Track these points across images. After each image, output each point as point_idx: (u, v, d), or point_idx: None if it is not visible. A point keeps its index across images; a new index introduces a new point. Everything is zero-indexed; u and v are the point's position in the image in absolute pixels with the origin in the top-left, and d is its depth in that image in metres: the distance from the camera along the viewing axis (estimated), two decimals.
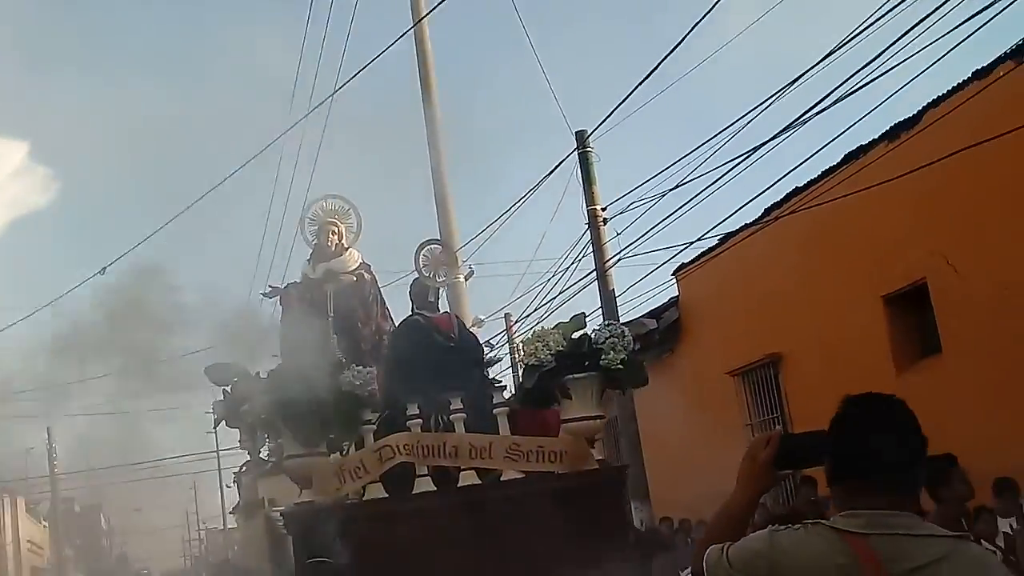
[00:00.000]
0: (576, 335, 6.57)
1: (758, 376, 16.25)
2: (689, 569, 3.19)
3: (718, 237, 16.15)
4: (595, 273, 16.60)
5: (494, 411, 6.64)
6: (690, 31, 13.22)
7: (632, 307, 20.08)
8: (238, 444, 10.58)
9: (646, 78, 14.50)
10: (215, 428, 11.00)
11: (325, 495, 6.18)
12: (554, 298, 17.35)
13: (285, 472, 6.43)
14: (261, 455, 10.41)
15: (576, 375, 6.47)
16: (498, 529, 6.34)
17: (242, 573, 7.89)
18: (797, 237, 14.66)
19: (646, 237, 16.46)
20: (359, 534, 5.88)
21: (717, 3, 11.91)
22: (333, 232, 9.52)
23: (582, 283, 16.94)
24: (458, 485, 6.55)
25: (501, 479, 6.61)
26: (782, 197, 15.01)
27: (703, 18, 12.32)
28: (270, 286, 10.02)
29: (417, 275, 7.57)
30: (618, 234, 16.74)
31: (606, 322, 6.69)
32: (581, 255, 16.97)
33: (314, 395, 6.04)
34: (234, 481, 11.28)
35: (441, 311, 7.63)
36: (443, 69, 18.10)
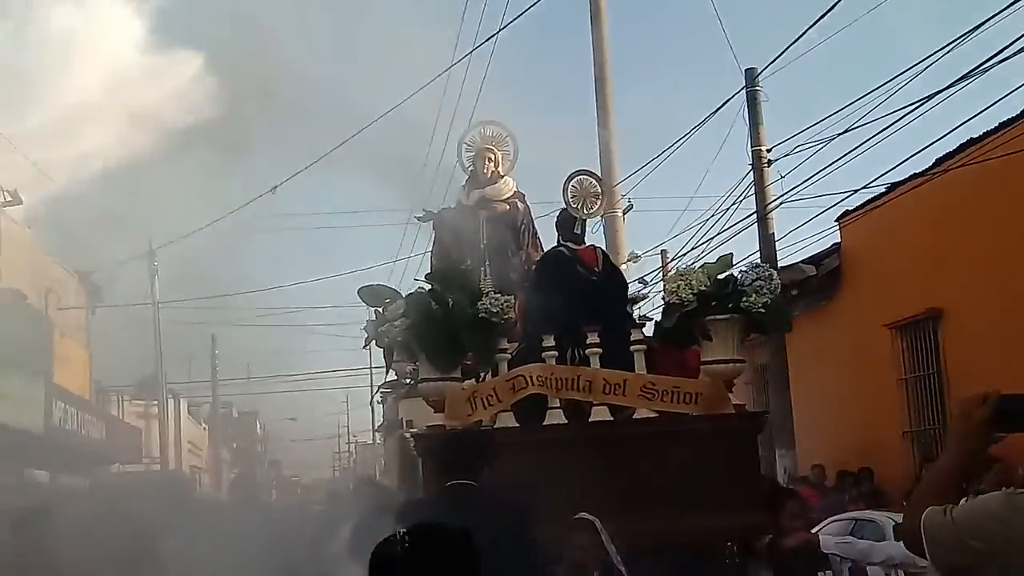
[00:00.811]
0: (721, 276, 6.25)
1: (917, 330, 15.63)
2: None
3: (886, 186, 15.52)
4: (756, 215, 16.15)
5: (631, 348, 6.39)
6: None
7: (792, 252, 19.44)
8: (391, 365, 10.72)
9: (821, 18, 13.93)
10: (365, 347, 11.15)
11: (457, 420, 6.08)
12: (713, 238, 16.96)
13: (420, 395, 6.33)
14: (401, 377, 10.47)
15: (717, 316, 6.17)
16: (627, 466, 6.16)
17: (383, 489, 7.87)
18: (967, 190, 13.97)
19: (811, 182, 15.96)
20: (488, 461, 5.75)
21: None
22: (489, 159, 9.39)
23: (742, 224, 16.53)
24: (590, 420, 6.34)
25: (634, 417, 6.37)
26: (955, 147, 14.30)
27: None
28: (424, 209, 9.97)
29: (565, 206, 7.33)
30: (782, 177, 16.26)
31: (754, 264, 6.32)
32: (743, 196, 16.54)
33: (450, 320, 5.91)
34: (379, 400, 11.43)
35: (587, 244, 7.37)
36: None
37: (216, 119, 13.79)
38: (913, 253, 15.14)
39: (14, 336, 17.24)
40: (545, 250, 9.55)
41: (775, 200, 16.14)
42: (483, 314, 5.96)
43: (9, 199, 20.62)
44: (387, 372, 10.70)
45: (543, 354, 6.29)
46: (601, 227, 16.94)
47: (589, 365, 6.35)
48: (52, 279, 23.44)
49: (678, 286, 6.14)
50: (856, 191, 16.03)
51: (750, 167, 16.22)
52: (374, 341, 10.46)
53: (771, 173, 16.18)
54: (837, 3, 13.10)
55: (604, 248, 7.52)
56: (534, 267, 7.38)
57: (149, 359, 29.71)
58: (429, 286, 6.14)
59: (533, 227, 9.49)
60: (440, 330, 5.91)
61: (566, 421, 6.30)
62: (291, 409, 48.78)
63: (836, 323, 17.02)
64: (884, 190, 15.57)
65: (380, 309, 10.23)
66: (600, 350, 6.34)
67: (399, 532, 2.97)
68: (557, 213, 7.67)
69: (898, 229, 15.44)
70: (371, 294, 10.52)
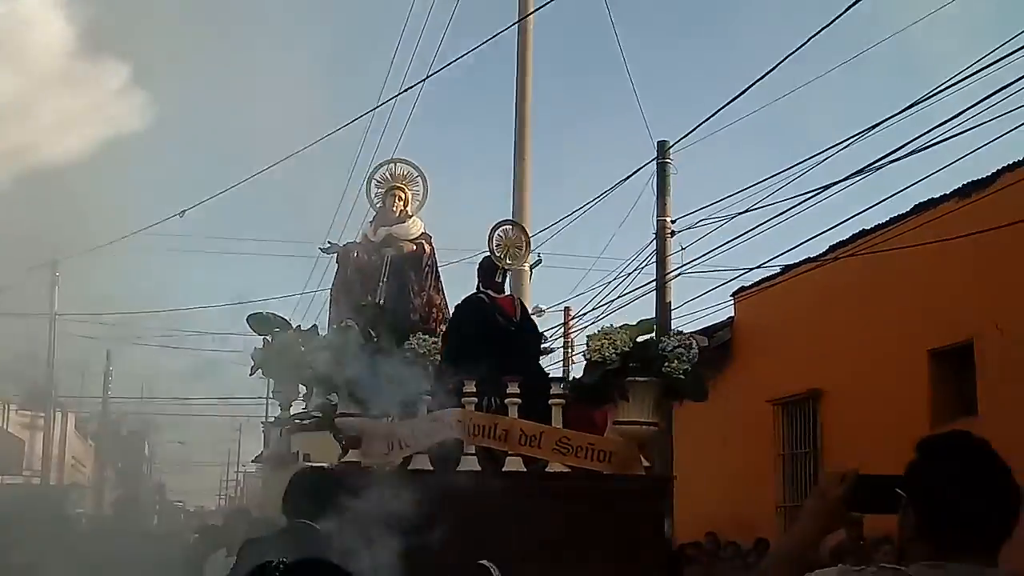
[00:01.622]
0: (642, 339, 6.19)
1: (798, 409, 15.80)
2: None
3: (781, 266, 15.78)
4: (655, 283, 16.25)
5: (550, 402, 6.28)
6: (781, 61, 12.90)
7: (687, 322, 19.65)
8: (271, 394, 10.36)
9: (731, 101, 14.20)
10: (251, 375, 10.80)
11: (371, 459, 5.86)
12: (612, 301, 17.04)
13: (336, 429, 6.10)
14: (284, 407, 10.19)
15: (638, 378, 6.10)
16: (536, 519, 6.00)
17: (260, 522, 7.55)
18: (855, 278, 14.29)
19: (710, 255, 16.14)
20: (400, 502, 5.56)
21: (807, 41, 11.62)
22: (400, 197, 9.22)
23: (643, 290, 16.63)
24: (503, 469, 6.19)
25: (546, 470, 6.24)
26: (847, 237, 14.64)
27: (793, 53, 12.02)
28: (329, 242, 9.76)
29: (489, 253, 7.22)
30: (683, 248, 16.41)
31: (675, 330, 6.27)
32: (644, 263, 16.66)
33: (376, 357, 5.72)
34: (263, 430, 11.06)
35: (507, 293, 7.25)
36: (540, 60, 17.80)
37: (134, 134, 13.40)
38: (800, 333, 15.37)
39: None
40: (446, 295, 9.39)
41: (675, 270, 16.28)
42: (408, 354, 5.79)
43: None
44: (285, 404, 10.37)
45: (463, 399, 6.13)
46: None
47: (507, 414, 6.20)
48: None
49: (602, 344, 6.07)
50: (751, 269, 16.28)
51: (654, 236, 16.35)
52: (260, 370, 10.17)
53: (673, 244, 16.32)
54: (750, 87, 13.40)
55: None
56: (454, 310, 7.22)
57: (40, 370, 28.57)
58: (352, 321, 5.92)
59: (437, 270, 9.33)
60: (365, 366, 5.70)
61: (479, 468, 6.12)
62: (182, 433, 47.31)
63: (723, 395, 17.07)
64: (779, 271, 15.82)
65: (268, 337, 9.99)
66: (519, 401, 6.21)
67: (277, 561, 2.92)
68: (472, 259, 7.56)
69: (788, 309, 15.67)
70: (259, 322, 10.23)
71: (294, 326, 10.10)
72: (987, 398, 11.76)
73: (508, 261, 7.18)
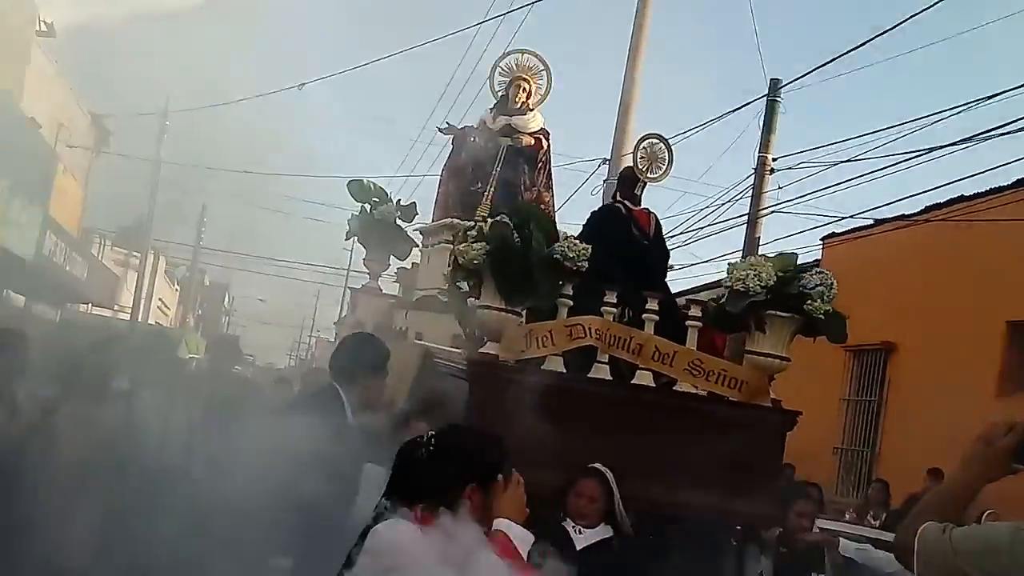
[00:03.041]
0: (783, 274, 5.87)
1: (869, 358, 15.52)
2: None
3: (872, 219, 15.36)
4: (747, 217, 15.86)
5: (687, 323, 6.00)
6: (909, 18, 12.30)
7: None
8: (364, 262, 10.19)
9: (852, 50, 13.67)
10: (347, 240, 10.61)
11: (509, 354, 5.64)
12: (703, 228, 16.69)
13: (479, 321, 5.87)
14: (373, 275, 9.97)
15: (779, 312, 5.80)
16: (659, 434, 5.78)
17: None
18: (944, 242, 13.97)
19: (804, 198, 15.79)
20: (534, 400, 5.35)
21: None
22: (523, 89, 8.86)
23: (733, 222, 16.28)
24: (632, 382, 5.95)
25: (674, 388, 6.00)
26: (944, 200, 14.21)
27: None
28: (447, 123, 9.44)
29: (632, 164, 6.89)
30: (779, 187, 16.02)
31: (818, 269, 5.95)
32: (739, 196, 16.28)
33: (527, 255, 5.46)
34: (350, 298, 10.89)
35: (642, 206, 6.94)
36: None
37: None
38: (882, 286, 15.01)
39: (23, 162, 16.46)
40: (555, 195, 9.03)
41: (769, 207, 15.86)
42: (558, 255, 5.51)
43: (45, 30, 19.60)
44: (375, 274, 10.15)
45: (602, 308, 5.86)
46: (601, 192, 16.57)
47: (642, 328, 5.94)
48: (67, 115, 22.45)
49: (747, 275, 5.76)
50: (845, 217, 15.92)
51: (753, 171, 15.90)
52: (356, 236, 9.95)
53: (770, 181, 15.88)
54: (873, 39, 12.84)
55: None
56: (590, 217, 6.92)
57: (139, 211, 28.77)
58: (507, 217, 5.64)
59: (550, 168, 9.01)
60: (516, 263, 5.44)
61: (611, 378, 5.89)
62: (263, 291, 47.80)
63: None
64: (872, 222, 15.40)
65: (366, 205, 9.75)
66: (657, 317, 5.93)
67: (426, 434, 2.96)
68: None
69: (874, 261, 15.28)
70: (360, 189, 10.01)
71: (394, 200, 9.89)
72: None
73: (649, 175, 6.82)
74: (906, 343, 14.83)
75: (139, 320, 27.13)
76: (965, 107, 12.76)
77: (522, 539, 2.82)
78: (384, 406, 5.34)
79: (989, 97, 12.40)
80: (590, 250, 5.52)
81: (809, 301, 5.76)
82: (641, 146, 6.97)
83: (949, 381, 12.93)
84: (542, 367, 5.72)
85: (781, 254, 6.23)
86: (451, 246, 8.18)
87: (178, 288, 43.58)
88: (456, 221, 8.31)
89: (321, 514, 4.24)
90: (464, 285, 6.39)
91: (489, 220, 5.58)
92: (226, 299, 57.24)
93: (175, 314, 42.20)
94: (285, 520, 4.16)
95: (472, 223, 5.81)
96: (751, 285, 5.71)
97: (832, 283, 5.92)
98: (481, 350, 5.70)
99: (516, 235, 5.48)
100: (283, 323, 57.50)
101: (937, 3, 11.60)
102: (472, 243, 5.45)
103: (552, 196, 9.12)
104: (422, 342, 7.90)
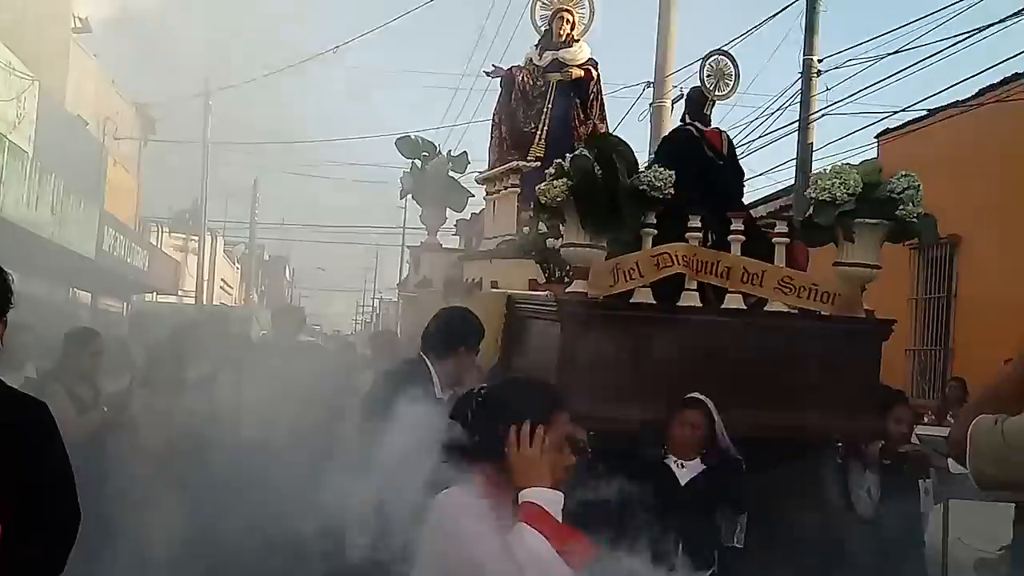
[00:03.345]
0: (869, 179, 5.67)
1: (934, 254, 15.15)
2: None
3: (926, 110, 14.92)
4: (798, 123, 15.49)
5: (773, 240, 5.83)
6: None
7: (829, 164, 18.86)
8: (420, 218, 10.02)
9: None
10: (401, 198, 10.40)
11: (598, 290, 5.52)
12: (755, 140, 16.35)
13: (563, 260, 5.75)
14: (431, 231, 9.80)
15: (869, 220, 5.61)
16: (755, 357, 5.65)
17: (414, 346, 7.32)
18: (1005, 125, 13.43)
19: (855, 97, 15.41)
20: (628, 334, 5.24)
21: None
22: (567, 21, 8.60)
23: (784, 130, 15.92)
24: (722, 306, 5.81)
25: (765, 308, 5.85)
26: (999, 80, 13.74)
27: None
28: (494, 65, 9.21)
29: (700, 83, 6.66)
30: (828, 89, 15.60)
31: (903, 172, 5.73)
32: (788, 103, 15.90)
33: (610, 187, 5.30)
34: (412, 256, 10.71)
35: (713, 126, 6.73)
36: None
37: None
38: (941, 178, 14.51)
39: (74, 161, 16.53)
40: (608, 124, 8.79)
41: (820, 111, 15.48)
42: (644, 186, 5.35)
43: (80, 26, 19.57)
44: (433, 228, 9.97)
45: (687, 234, 5.71)
46: (649, 116, 16.28)
47: (728, 250, 5.79)
48: (111, 108, 22.52)
49: (832, 183, 5.56)
50: (895, 112, 15.56)
51: (799, 75, 15.49)
52: (411, 194, 9.79)
53: (819, 84, 15.48)
54: None
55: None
56: (662, 141, 6.73)
57: (192, 195, 28.89)
58: (587, 151, 5.48)
59: (602, 98, 8.75)
60: (601, 195, 5.29)
61: (701, 304, 5.76)
62: (322, 259, 47.76)
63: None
64: (925, 113, 14.98)
65: (417, 161, 9.58)
66: (743, 238, 5.77)
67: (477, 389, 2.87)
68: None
69: (933, 153, 14.83)
70: (408, 146, 9.81)
71: (444, 152, 9.69)
72: None
73: (718, 92, 6.60)
74: (971, 235, 14.41)
75: (204, 303, 27.35)
76: None
77: (551, 501, 2.65)
78: (476, 379, 5.24)
79: None
80: (674, 176, 5.35)
81: (901, 205, 5.55)
82: (707, 64, 6.72)
83: (1019, 271, 12.61)
84: (631, 300, 5.59)
85: (866, 162, 6.04)
86: (517, 190, 8.06)
87: (239, 266, 43.86)
88: (521, 164, 8.13)
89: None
90: (544, 226, 6.27)
91: (567, 156, 5.41)
92: (287, 271, 57.39)
93: (239, 292, 42.50)
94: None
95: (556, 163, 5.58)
96: (838, 194, 5.52)
97: (919, 185, 5.71)
98: (568, 289, 5.58)
99: (598, 168, 5.32)
100: (346, 288, 57.56)
101: None
102: (552, 180, 5.30)
103: (607, 126, 8.91)
104: (501, 290, 7.77)
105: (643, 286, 5.61)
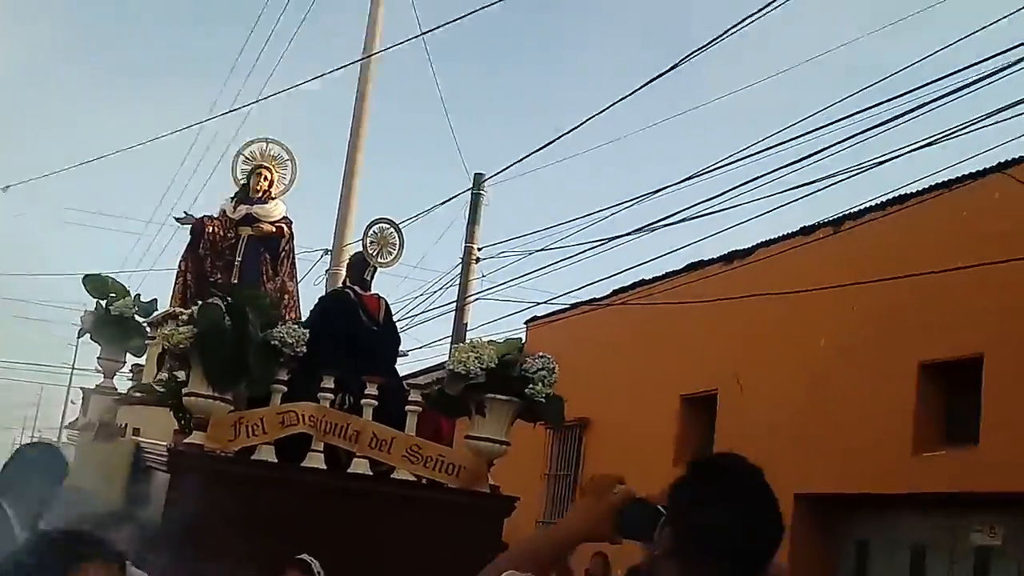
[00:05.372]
0: (506, 357, 5.47)
1: (566, 434, 15.54)
2: None
3: (570, 303, 15.64)
4: (455, 304, 15.70)
5: (406, 408, 5.44)
6: (590, 118, 12.58)
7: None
8: (98, 360, 9.03)
9: (545, 146, 13.88)
10: (79, 338, 9.34)
11: (216, 443, 4.86)
12: (416, 315, 16.38)
13: (181, 407, 5.05)
14: (108, 374, 8.89)
15: (499, 396, 5.37)
16: (375, 524, 5.16)
17: (73, 493, 6.35)
18: (630, 322, 14.39)
19: (509, 284, 15.91)
20: (241, 491, 4.60)
21: (621, 100, 11.31)
22: (265, 178, 8.16)
23: (441, 310, 16.10)
24: (348, 471, 5.30)
25: (391, 476, 5.40)
26: (628, 284, 14.68)
27: (605, 109, 11.69)
28: (185, 212, 8.58)
29: (363, 249, 6.33)
30: (483, 276, 16.00)
31: (539, 353, 5.59)
32: (448, 284, 16.14)
33: (240, 340, 4.74)
34: (82, 397, 9.57)
35: (372, 292, 6.38)
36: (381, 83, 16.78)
37: None
38: (577, 365, 15.14)
39: None
40: (298, 284, 8.37)
41: (475, 294, 15.79)
42: (275, 342, 4.83)
43: None
44: (109, 373, 9.04)
45: (319, 394, 5.21)
46: (324, 281, 15.88)
47: (361, 415, 5.33)
48: None
49: (468, 357, 5.30)
50: (540, 303, 16.17)
51: (460, 260, 15.79)
52: (88, 334, 8.81)
53: (477, 269, 15.84)
54: (564, 135, 13.04)
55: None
56: (317, 302, 6.28)
57: None
58: (221, 299, 4.90)
59: (293, 257, 8.32)
60: (227, 347, 4.70)
61: (325, 467, 5.22)
62: None
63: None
64: (569, 306, 15.69)
65: (103, 301, 8.68)
66: (376, 403, 5.34)
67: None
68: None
69: (570, 341, 15.44)
70: (95, 284, 8.88)
71: (132, 295, 8.82)
72: (722, 441, 11.93)
73: (380, 259, 6.28)
74: (598, 418, 15.00)
75: None
76: (635, 201, 13.13)
77: None
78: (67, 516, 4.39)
79: (654, 192, 12.80)
80: (308, 335, 4.86)
81: (531, 385, 5.35)
82: (371, 231, 6.42)
83: (636, 452, 13.09)
84: (253, 457, 4.96)
85: (508, 340, 5.84)
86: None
87: None
88: (179, 310, 7.38)
89: None
90: (181, 374, 5.55)
91: (198, 303, 4.81)
92: None
93: None
94: None
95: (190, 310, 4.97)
96: (471, 367, 5.25)
97: (554, 367, 5.58)
98: (186, 440, 4.88)
99: (228, 319, 4.74)
100: (5, 426, 51.76)
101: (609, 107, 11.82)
102: (179, 327, 4.66)
103: (297, 285, 8.44)
104: (137, 438, 6.85)
105: (267, 443, 5.00)
